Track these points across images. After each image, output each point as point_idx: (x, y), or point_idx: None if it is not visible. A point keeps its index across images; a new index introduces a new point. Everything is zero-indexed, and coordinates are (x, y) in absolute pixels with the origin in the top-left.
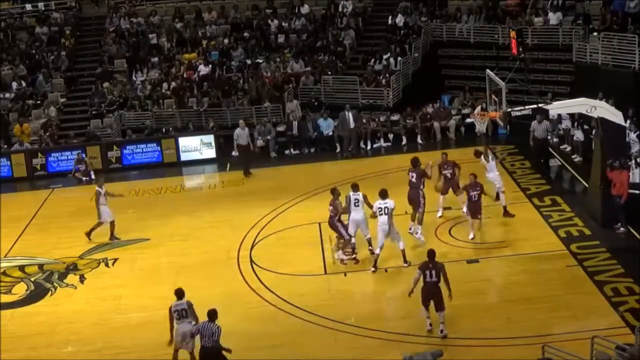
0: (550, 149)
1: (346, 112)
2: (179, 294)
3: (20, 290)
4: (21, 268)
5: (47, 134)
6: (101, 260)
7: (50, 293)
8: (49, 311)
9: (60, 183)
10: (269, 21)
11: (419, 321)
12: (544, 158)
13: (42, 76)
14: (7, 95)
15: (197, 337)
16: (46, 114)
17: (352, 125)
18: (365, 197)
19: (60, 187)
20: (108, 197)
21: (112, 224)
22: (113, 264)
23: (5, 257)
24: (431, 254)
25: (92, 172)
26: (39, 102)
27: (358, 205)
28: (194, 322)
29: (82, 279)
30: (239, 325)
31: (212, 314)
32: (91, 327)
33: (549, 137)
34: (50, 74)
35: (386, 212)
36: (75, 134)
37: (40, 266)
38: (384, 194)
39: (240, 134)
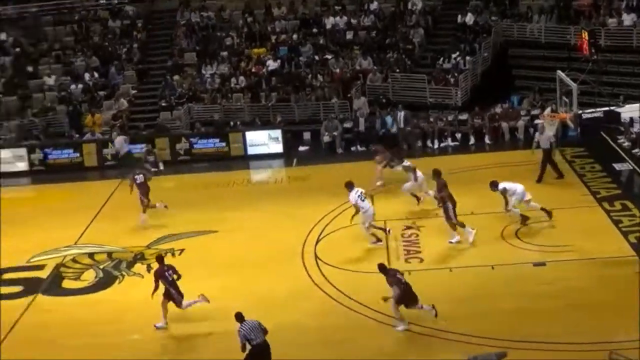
0: (552, 159)
1: (397, 112)
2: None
3: (89, 277)
4: (91, 255)
5: (118, 124)
6: (168, 251)
7: (118, 281)
8: (116, 299)
9: (129, 173)
10: (338, 17)
11: (483, 322)
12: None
13: (115, 68)
14: (80, 86)
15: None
16: (117, 105)
17: (401, 125)
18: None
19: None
20: None
21: None
22: (180, 254)
23: (75, 244)
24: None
25: (160, 163)
26: (110, 93)
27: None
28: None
29: (148, 268)
30: (302, 320)
31: (240, 316)
32: (157, 315)
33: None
34: (122, 66)
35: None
36: (145, 126)
37: (109, 254)
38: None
39: None
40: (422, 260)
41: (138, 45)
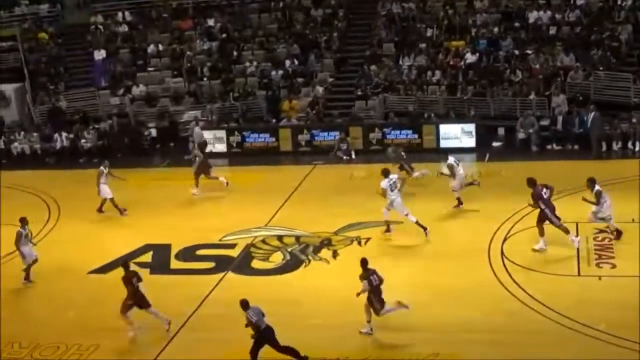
0: None
1: (589, 113)
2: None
3: (277, 259)
4: (279, 238)
5: (314, 111)
6: (354, 239)
7: (304, 265)
8: (301, 283)
9: (322, 160)
10: (542, 12)
11: None
12: None
13: (314, 56)
14: (280, 72)
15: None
16: (314, 92)
17: (588, 125)
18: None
19: (321, 164)
20: (110, 177)
21: (110, 200)
22: (365, 243)
23: (266, 226)
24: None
25: (353, 152)
26: (308, 80)
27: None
28: None
29: (334, 254)
30: (484, 318)
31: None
32: (339, 302)
33: None
34: (322, 54)
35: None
36: (340, 114)
37: (297, 238)
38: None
39: None
40: (614, 266)
41: (338, 34)
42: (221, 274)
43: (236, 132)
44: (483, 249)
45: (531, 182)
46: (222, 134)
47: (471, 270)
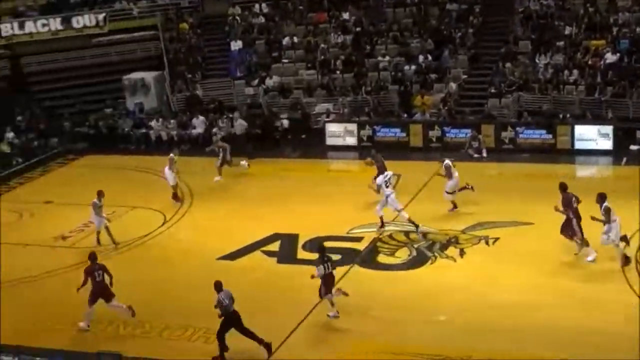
0: None
1: None
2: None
3: (403, 254)
4: (406, 234)
5: (446, 107)
6: (482, 238)
7: (430, 262)
8: (427, 279)
9: (452, 157)
10: None
11: None
12: None
13: (448, 52)
14: (413, 67)
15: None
16: (447, 89)
17: None
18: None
19: (452, 161)
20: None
21: (171, 187)
22: (493, 243)
23: (393, 221)
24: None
25: (484, 150)
26: (441, 76)
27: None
28: None
29: (461, 253)
30: (602, 326)
31: (218, 284)
32: (464, 300)
33: None
34: (456, 49)
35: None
36: (472, 111)
37: (424, 235)
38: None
39: None
40: None
41: (473, 30)
42: (347, 267)
43: (367, 126)
44: (611, 257)
45: (562, 188)
46: (353, 127)
47: (600, 275)
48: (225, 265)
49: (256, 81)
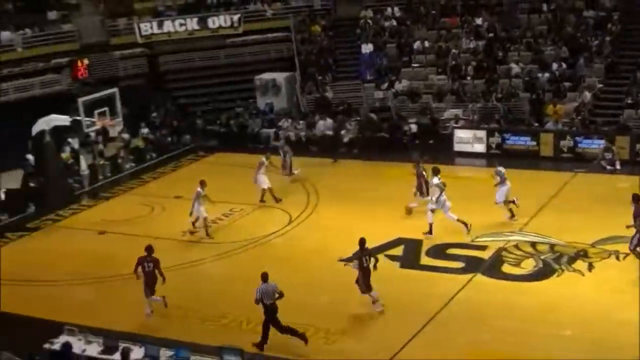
0: None
1: None
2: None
3: (529, 265)
4: (533, 244)
5: (579, 117)
6: (612, 253)
7: (556, 274)
8: (552, 291)
9: (584, 168)
10: None
11: None
12: None
13: (583, 60)
14: (546, 75)
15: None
16: (580, 98)
17: None
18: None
19: (583, 172)
20: (268, 168)
21: (267, 190)
22: (624, 258)
23: (520, 231)
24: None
25: (617, 162)
26: (575, 85)
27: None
28: None
29: (590, 267)
30: None
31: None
32: (592, 315)
33: None
34: (592, 58)
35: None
36: (606, 122)
37: (552, 246)
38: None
39: None
40: None
41: (610, 38)
42: (470, 275)
43: (496, 133)
44: None
45: (635, 199)
46: (482, 134)
47: None
48: (347, 267)
49: (386, 85)
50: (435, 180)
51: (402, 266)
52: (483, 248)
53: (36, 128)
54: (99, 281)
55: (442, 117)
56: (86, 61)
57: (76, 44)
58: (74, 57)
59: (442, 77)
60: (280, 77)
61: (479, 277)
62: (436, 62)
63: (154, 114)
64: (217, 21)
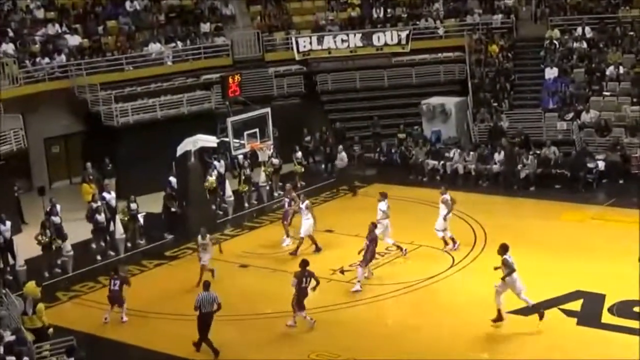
0: None
1: None
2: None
3: None
4: None
5: None
6: None
7: None
8: None
9: None
10: None
11: None
12: None
13: None
14: None
15: None
16: None
17: None
18: None
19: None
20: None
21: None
22: None
23: None
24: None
25: None
26: None
27: None
28: None
29: None
30: None
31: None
32: None
33: None
34: None
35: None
36: None
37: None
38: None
39: None
40: None
41: None
42: None
43: None
44: None
45: None
46: None
47: None
48: (516, 320)
49: (570, 115)
50: (383, 205)
51: (579, 323)
52: None
53: (182, 148)
54: (234, 319)
55: (635, 154)
56: (238, 77)
57: (229, 59)
58: (226, 73)
59: (637, 108)
60: (449, 102)
61: None
62: (631, 91)
63: (307, 138)
64: (382, 38)
